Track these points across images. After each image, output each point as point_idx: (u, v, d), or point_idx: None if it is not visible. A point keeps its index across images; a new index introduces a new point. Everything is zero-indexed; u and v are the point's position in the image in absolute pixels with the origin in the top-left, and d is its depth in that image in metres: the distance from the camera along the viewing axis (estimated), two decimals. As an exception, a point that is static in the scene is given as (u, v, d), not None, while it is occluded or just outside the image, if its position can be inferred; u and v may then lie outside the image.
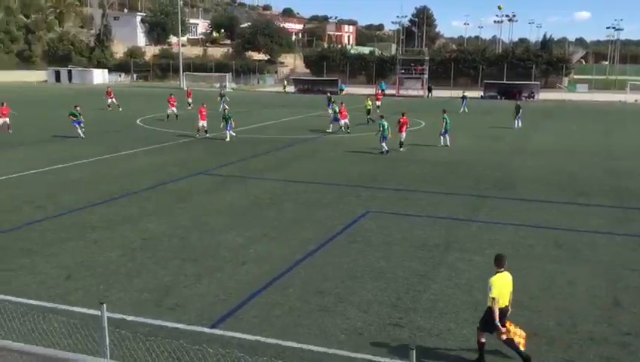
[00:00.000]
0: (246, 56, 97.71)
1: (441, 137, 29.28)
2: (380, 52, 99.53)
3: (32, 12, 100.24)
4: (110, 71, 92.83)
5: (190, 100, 46.82)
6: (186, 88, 61.74)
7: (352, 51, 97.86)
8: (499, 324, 8.30)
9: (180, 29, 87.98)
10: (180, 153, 26.73)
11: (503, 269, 8.55)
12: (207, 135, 30.67)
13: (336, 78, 78.10)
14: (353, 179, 21.52)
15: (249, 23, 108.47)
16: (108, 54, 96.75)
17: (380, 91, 54.80)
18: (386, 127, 26.53)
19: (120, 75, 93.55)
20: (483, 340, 8.60)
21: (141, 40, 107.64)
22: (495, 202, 18.27)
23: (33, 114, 41.63)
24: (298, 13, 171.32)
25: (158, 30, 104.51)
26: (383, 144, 26.61)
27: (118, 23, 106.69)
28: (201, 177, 21.52)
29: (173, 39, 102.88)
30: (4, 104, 31.74)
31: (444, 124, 28.95)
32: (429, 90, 70.85)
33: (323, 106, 46.99)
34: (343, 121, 34.07)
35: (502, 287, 8.41)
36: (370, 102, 40.19)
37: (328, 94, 45.26)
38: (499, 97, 67.86)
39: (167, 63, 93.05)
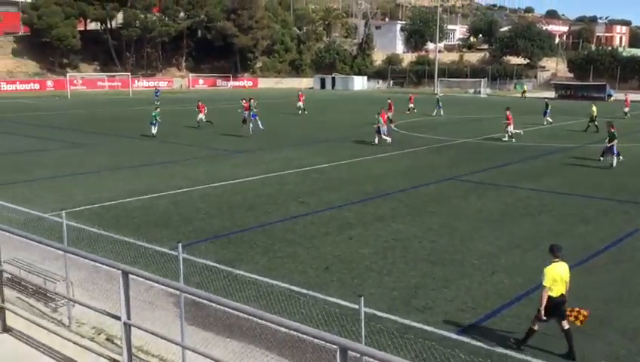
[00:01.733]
0: (503, 61, 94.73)
1: None
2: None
3: (304, 24, 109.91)
4: (369, 78, 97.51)
5: (412, 105, 47.66)
6: (440, 94, 62.01)
7: (625, 54, 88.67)
8: (542, 312, 8.58)
9: (437, 35, 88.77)
10: (432, 157, 26.98)
11: (558, 259, 8.69)
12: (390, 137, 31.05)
13: (603, 83, 71.49)
14: (619, 193, 19.57)
15: (509, 27, 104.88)
16: (368, 62, 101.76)
17: (627, 96, 48.67)
18: (615, 137, 24.48)
19: (378, 82, 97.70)
20: (536, 328, 8.80)
21: (399, 47, 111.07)
22: None
23: (298, 118, 45.66)
24: (563, 15, 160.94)
25: (416, 37, 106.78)
26: (613, 157, 24.58)
27: (380, 32, 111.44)
28: (452, 182, 21.47)
29: (430, 46, 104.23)
30: (199, 102, 37.19)
31: None
32: None
33: (582, 114, 43.69)
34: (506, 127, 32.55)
35: (555, 277, 8.58)
36: (595, 109, 36.98)
37: (546, 101, 44.46)
38: None
39: (423, 70, 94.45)
